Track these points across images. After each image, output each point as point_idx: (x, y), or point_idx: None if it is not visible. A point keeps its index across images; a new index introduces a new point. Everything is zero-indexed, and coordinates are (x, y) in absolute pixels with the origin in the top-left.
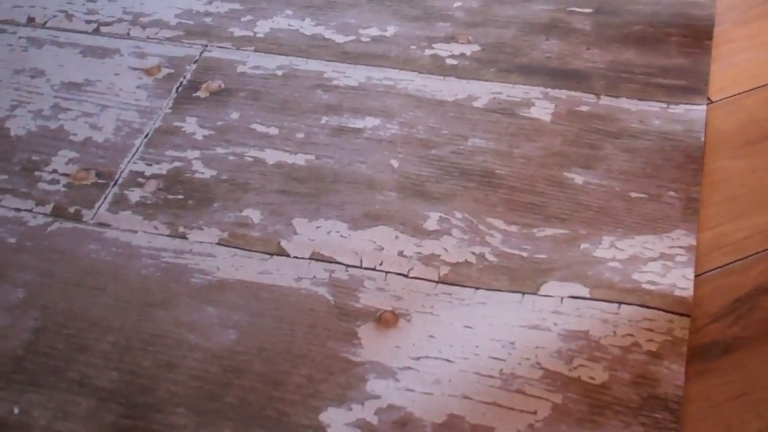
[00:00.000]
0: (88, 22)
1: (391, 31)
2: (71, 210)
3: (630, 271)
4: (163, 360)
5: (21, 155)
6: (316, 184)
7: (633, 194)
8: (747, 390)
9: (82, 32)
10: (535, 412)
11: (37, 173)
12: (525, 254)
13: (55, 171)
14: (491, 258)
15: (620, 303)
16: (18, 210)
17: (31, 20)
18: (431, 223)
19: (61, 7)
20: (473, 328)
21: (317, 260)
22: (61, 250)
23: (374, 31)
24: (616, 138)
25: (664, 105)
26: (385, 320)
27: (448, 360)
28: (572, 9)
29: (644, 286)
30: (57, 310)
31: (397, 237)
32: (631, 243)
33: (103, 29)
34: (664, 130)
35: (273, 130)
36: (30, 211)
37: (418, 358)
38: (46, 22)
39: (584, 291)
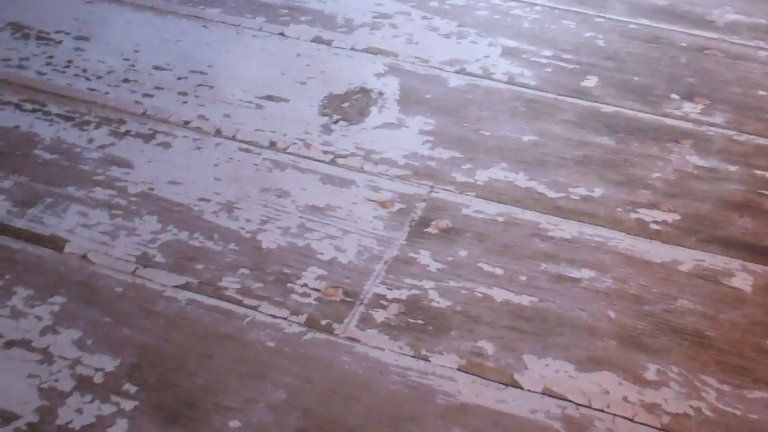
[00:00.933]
0: (325, 152)
1: (598, 192)
2: (323, 322)
3: None
4: None
5: (274, 267)
6: (541, 324)
7: None
8: None
9: (319, 161)
10: None
11: (289, 285)
12: (738, 413)
13: (306, 285)
14: (708, 413)
15: None
16: (274, 317)
17: (272, 144)
18: (650, 374)
19: (299, 136)
20: None
21: (549, 396)
22: (317, 358)
23: (582, 191)
24: None
25: None
26: None
27: None
28: (762, 191)
29: None
30: (317, 413)
31: (620, 383)
32: None
33: (339, 161)
34: None
35: (498, 271)
36: (285, 319)
37: None
38: (286, 148)
39: None
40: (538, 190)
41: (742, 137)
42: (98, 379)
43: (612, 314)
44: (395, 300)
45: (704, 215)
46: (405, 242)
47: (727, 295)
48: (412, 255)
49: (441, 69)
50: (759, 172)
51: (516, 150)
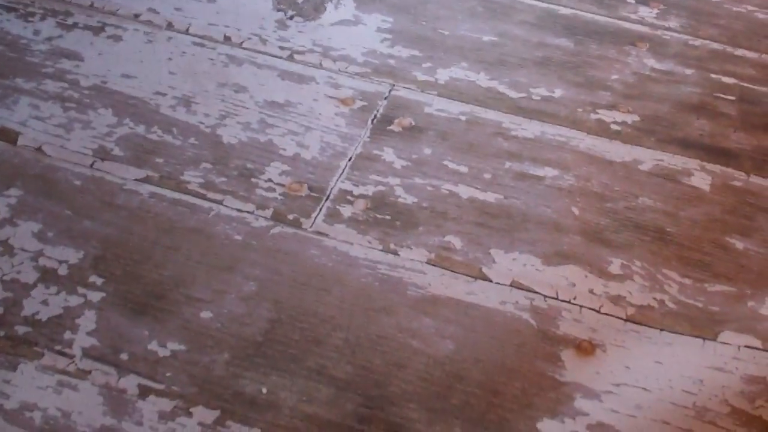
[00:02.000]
0: (282, 48)
1: (558, 93)
2: (290, 217)
3: None
4: (392, 360)
5: (236, 161)
6: (507, 220)
7: None
8: None
9: (277, 57)
10: None
11: (253, 180)
12: (700, 305)
13: (270, 180)
14: (671, 305)
15: None
16: (240, 211)
17: (227, 38)
18: (615, 268)
19: (254, 31)
20: (663, 364)
21: (517, 288)
22: (286, 252)
23: (543, 92)
24: (767, 212)
25: None
26: (584, 348)
27: (645, 389)
28: (718, 95)
29: None
30: (288, 304)
31: (586, 276)
32: None
33: (296, 57)
34: None
35: (463, 168)
36: (251, 213)
37: (618, 385)
38: (242, 43)
39: (757, 342)
40: (500, 90)
41: (697, 41)
42: (63, 271)
43: (576, 211)
44: (362, 196)
45: (662, 117)
46: (368, 139)
47: (686, 194)
48: (377, 152)
49: None
50: (714, 76)
51: (476, 50)
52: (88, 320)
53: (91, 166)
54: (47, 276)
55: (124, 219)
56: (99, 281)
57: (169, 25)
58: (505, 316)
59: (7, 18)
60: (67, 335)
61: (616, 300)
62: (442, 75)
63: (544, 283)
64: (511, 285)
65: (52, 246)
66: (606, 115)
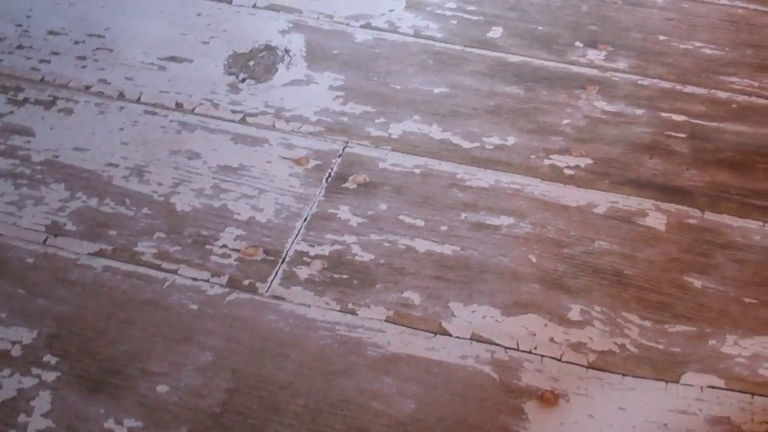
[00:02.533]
0: (234, 111)
1: (511, 140)
2: (246, 282)
3: (755, 366)
4: (353, 424)
5: (190, 229)
6: (466, 272)
7: (747, 299)
8: None
9: (229, 120)
10: None
11: (208, 247)
12: (661, 347)
13: (225, 246)
14: (632, 348)
15: (753, 394)
16: (195, 279)
17: (179, 105)
18: (574, 314)
19: (205, 96)
20: (627, 410)
21: (478, 341)
22: (243, 318)
23: (496, 140)
24: (724, 249)
25: (761, 223)
26: (547, 399)
27: None
28: (669, 133)
29: None
30: (246, 372)
31: (546, 325)
32: (751, 342)
33: (249, 119)
34: (765, 245)
35: (419, 222)
36: (207, 281)
37: None
38: (194, 109)
39: (720, 382)
40: (453, 141)
41: (646, 81)
42: (16, 352)
43: (533, 258)
44: (318, 256)
45: (615, 158)
46: (323, 198)
47: (642, 234)
48: (332, 211)
49: (346, 24)
50: (664, 114)
51: (428, 102)
52: (42, 401)
53: (44, 242)
54: (0, 358)
55: (78, 295)
56: (53, 360)
57: (121, 95)
58: (467, 370)
59: None
60: (22, 418)
61: (577, 347)
62: (396, 129)
63: (504, 335)
64: (471, 338)
65: (5, 327)
66: (559, 160)
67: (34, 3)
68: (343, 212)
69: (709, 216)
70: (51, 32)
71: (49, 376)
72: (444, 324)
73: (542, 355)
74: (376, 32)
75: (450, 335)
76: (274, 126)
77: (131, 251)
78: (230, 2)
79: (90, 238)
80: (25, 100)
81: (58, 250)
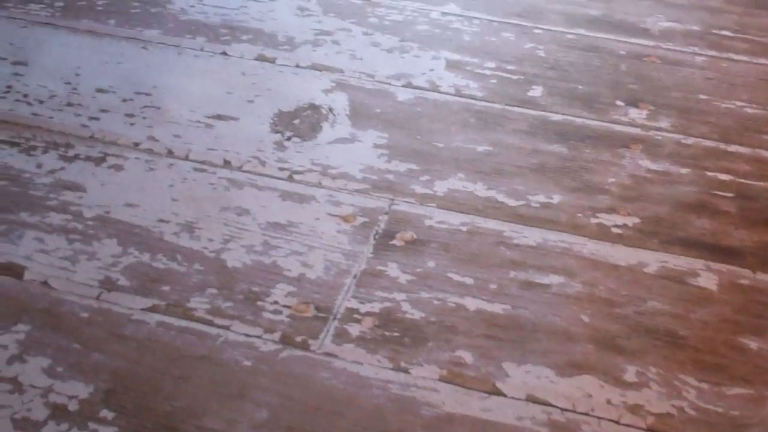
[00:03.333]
0: (281, 169)
1: (556, 199)
2: (298, 339)
3: None
4: None
5: (242, 285)
6: (517, 331)
7: None
8: None
9: (277, 178)
10: None
11: (259, 303)
12: (720, 410)
13: (276, 302)
14: (690, 411)
15: None
16: (248, 335)
17: (227, 163)
18: (630, 375)
19: (252, 154)
20: None
21: (533, 402)
22: (296, 376)
23: (541, 198)
24: None
25: None
26: None
27: None
28: (715, 192)
29: None
30: (302, 430)
31: (602, 386)
32: None
33: (296, 177)
34: None
35: (468, 280)
36: (259, 337)
37: None
38: (242, 166)
39: None
40: (498, 198)
41: (690, 140)
42: (73, 406)
43: (585, 318)
44: (368, 313)
45: (663, 217)
46: (371, 255)
47: (694, 295)
48: (380, 268)
49: (388, 83)
50: (710, 174)
51: (471, 160)
52: None
53: (98, 297)
54: (58, 413)
55: (133, 350)
56: (110, 415)
57: (170, 152)
58: None
59: (10, 153)
60: None
61: (635, 409)
62: (440, 187)
63: (559, 396)
64: (526, 399)
65: (62, 381)
66: (606, 219)
67: (82, 61)
68: (392, 269)
69: (761, 276)
70: (99, 90)
71: None
72: (498, 384)
73: (599, 417)
74: (417, 91)
75: (505, 395)
76: (320, 183)
77: (184, 307)
78: (273, 62)
79: (143, 294)
80: (76, 157)
81: (112, 305)
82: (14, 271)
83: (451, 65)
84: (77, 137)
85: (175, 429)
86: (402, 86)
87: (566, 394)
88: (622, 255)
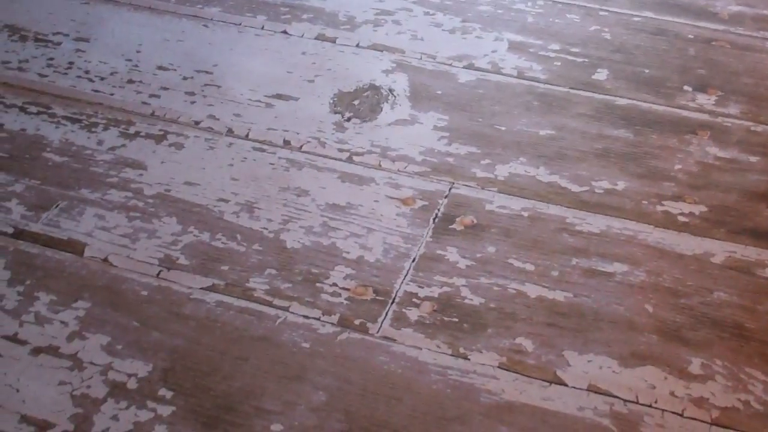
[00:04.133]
0: (341, 150)
1: (621, 185)
2: (357, 322)
3: None
4: None
5: (301, 266)
6: (579, 320)
7: None
8: None
9: (336, 159)
10: None
11: (318, 285)
12: None
13: (335, 284)
14: (757, 406)
15: None
16: (306, 317)
17: (286, 143)
18: (695, 368)
19: (312, 135)
20: None
21: (595, 392)
22: (354, 359)
23: (605, 184)
24: None
25: None
26: None
27: None
28: None
29: None
30: (360, 415)
31: (665, 378)
32: None
33: (355, 158)
34: None
35: (529, 267)
36: (318, 319)
37: None
38: (301, 146)
39: None
40: (561, 184)
41: (759, 128)
42: (132, 384)
43: (649, 308)
44: (427, 298)
45: (730, 206)
46: (431, 239)
47: (762, 287)
48: (440, 252)
49: (449, 65)
50: None
51: (534, 144)
52: None
53: (158, 275)
54: (117, 390)
55: (191, 329)
56: (168, 395)
57: (230, 131)
58: (585, 422)
59: (72, 129)
60: None
61: (699, 402)
62: (502, 171)
63: (622, 386)
64: (588, 389)
65: (121, 359)
66: (672, 207)
67: (144, 39)
68: (451, 254)
69: None
70: (160, 67)
71: (165, 411)
72: (559, 373)
73: (663, 410)
74: (479, 73)
75: (566, 385)
76: (380, 165)
77: (243, 287)
78: (334, 41)
79: (202, 273)
80: (137, 134)
81: (172, 284)
82: (75, 247)
83: (514, 47)
84: (138, 114)
85: (232, 409)
86: (463, 68)
87: (629, 384)
88: (689, 244)
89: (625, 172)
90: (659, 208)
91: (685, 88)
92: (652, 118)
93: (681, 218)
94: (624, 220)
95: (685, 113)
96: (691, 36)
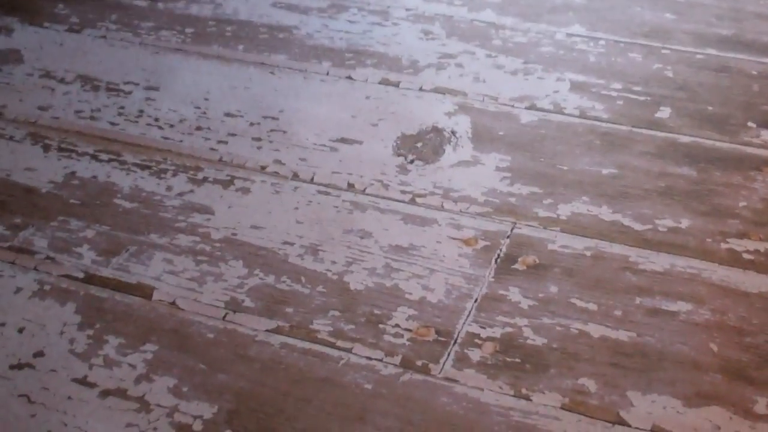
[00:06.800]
0: (403, 192)
1: (685, 223)
2: (419, 363)
3: None
4: None
5: (364, 308)
6: (642, 360)
7: None
8: None
9: (399, 201)
10: None
11: (381, 326)
12: None
13: (397, 325)
14: None
15: None
16: (369, 359)
17: (350, 186)
18: (761, 407)
19: (376, 177)
20: None
21: None
22: (416, 400)
23: (669, 222)
24: None
25: None
26: None
27: None
28: None
29: None
30: None
31: (731, 418)
32: None
33: (418, 200)
34: None
35: (592, 306)
36: (380, 360)
37: None
38: (365, 189)
39: None
40: (624, 222)
41: None
42: (197, 426)
43: (714, 347)
44: (489, 338)
45: None
46: (493, 279)
47: None
48: (502, 292)
49: (511, 106)
50: None
51: (596, 183)
52: None
53: (224, 318)
54: None
55: (256, 371)
56: None
57: (295, 176)
58: None
59: (141, 175)
60: None
61: None
62: (564, 210)
63: (687, 427)
64: (651, 430)
65: (187, 401)
66: (737, 244)
67: (212, 86)
68: (514, 294)
69: None
70: (228, 114)
71: None
72: (622, 413)
73: None
74: (541, 113)
75: (629, 425)
76: (442, 206)
77: (307, 328)
78: (397, 85)
79: (267, 315)
80: (205, 180)
81: (238, 326)
82: (144, 291)
83: (576, 87)
84: (206, 160)
85: None
86: (525, 108)
87: (693, 425)
88: (754, 282)
89: (688, 209)
90: (723, 245)
91: (749, 124)
92: (716, 155)
93: (746, 255)
94: (688, 258)
95: (749, 150)
96: (754, 72)
